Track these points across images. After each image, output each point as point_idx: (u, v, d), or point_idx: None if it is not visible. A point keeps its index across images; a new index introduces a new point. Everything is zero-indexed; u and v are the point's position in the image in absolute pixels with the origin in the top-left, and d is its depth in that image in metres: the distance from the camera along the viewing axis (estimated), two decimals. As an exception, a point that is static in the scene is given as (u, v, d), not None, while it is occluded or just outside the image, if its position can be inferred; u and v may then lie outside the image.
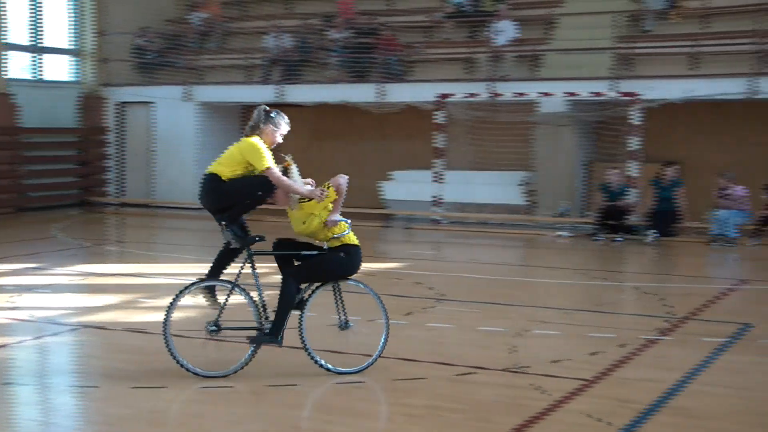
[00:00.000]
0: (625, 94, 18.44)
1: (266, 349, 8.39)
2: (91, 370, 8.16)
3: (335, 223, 7.78)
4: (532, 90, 19.37)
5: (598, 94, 18.73)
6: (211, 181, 7.86)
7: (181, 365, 7.60)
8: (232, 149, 7.91)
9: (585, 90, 18.81)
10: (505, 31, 20.62)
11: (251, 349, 7.70)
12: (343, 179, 7.97)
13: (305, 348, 7.74)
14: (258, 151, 7.72)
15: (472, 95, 19.84)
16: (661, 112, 18.94)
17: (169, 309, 7.71)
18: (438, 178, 19.90)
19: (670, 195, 17.46)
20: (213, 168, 7.90)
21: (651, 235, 17.06)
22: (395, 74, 21.39)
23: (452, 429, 6.43)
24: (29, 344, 9.07)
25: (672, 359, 8.34)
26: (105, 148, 23.96)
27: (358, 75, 21.77)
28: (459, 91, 19.99)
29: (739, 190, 17.10)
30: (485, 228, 19.02)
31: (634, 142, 18.17)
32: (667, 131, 20.20)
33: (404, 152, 22.60)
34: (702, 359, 8.31)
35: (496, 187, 20.07)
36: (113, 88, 23.75)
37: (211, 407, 6.85)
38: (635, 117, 18.18)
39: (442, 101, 19.90)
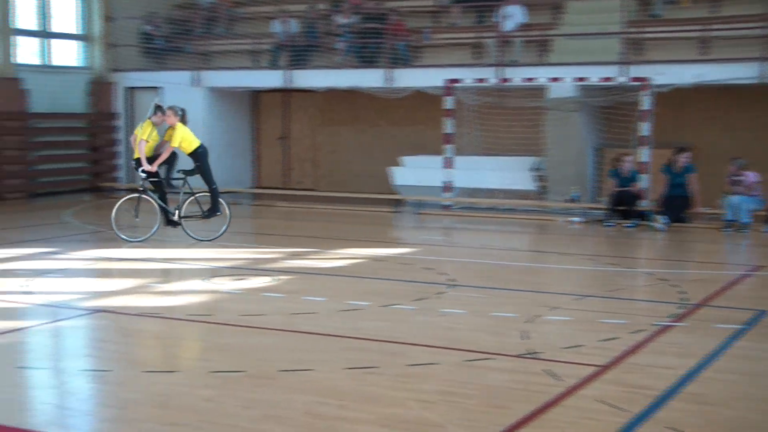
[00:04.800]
0: (636, 79, 18.36)
1: (279, 335, 8.46)
2: (104, 355, 8.19)
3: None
4: (540, 75, 19.32)
5: (607, 79, 18.67)
6: None
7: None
8: None
9: (594, 75, 18.74)
10: (513, 16, 20.55)
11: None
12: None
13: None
14: None
15: (480, 81, 19.78)
16: (672, 97, 18.86)
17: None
18: (448, 164, 19.86)
19: (682, 181, 17.38)
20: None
21: (662, 221, 17.01)
22: (403, 60, 21.33)
23: (466, 414, 6.41)
24: (43, 328, 9.08)
25: (685, 346, 8.30)
26: (114, 134, 23.96)
27: (366, 60, 21.72)
28: (467, 76, 19.92)
29: (751, 176, 17.04)
30: (495, 213, 18.97)
31: (644, 128, 18.10)
32: (677, 116, 20.13)
33: (413, 138, 22.56)
34: (716, 346, 8.27)
35: (506, 173, 20.01)
36: (122, 73, 23.73)
37: (222, 392, 6.84)
38: (646, 102, 18.11)
39: (450, 87, 19.84)
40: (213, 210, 14.64)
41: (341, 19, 22.37)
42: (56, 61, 23.03)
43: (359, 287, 11.12)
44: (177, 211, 14.55)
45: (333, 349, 8.15)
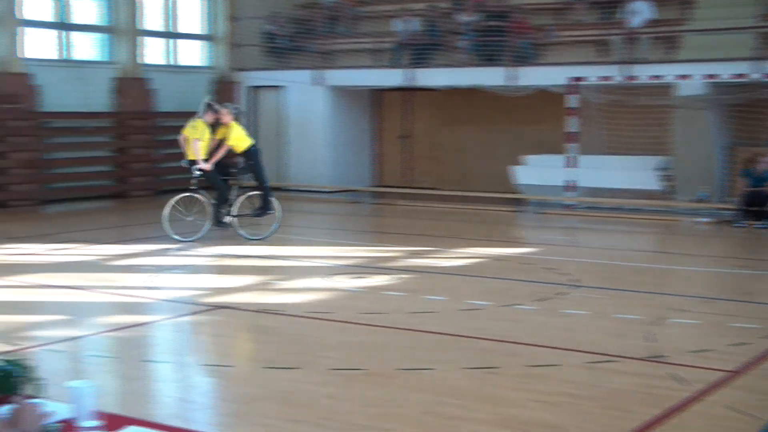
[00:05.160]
0: (770, 75, 17.72)
1: (399, 334, 8.43)
2: (225, 350, 8.29)
3: None
4: (668, 73, 18.82)
5: (740, 76, 18.07)
6: None
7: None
8: None
9: (726, 72, 18.16)
10: (640, 12, 20.11)
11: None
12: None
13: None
14: None
15: (605, 78, 19.41)
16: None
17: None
18: (571, 163, 19.56)
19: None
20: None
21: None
22: (526, 57, 21.09)
23: (587, 417, 6.26)
24: (167, 323, 9.26)
25: (822, 352, 7.96)
26: (237, 132, 24.32)
27: (488, 58, 21.54)
28: (592, 74, 19.57)
29: None
30: (620, 213, 18.59)
31: (779, 126, 17.46)
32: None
33: (535, 136, 22.29)
34: None
35: (630, 172, 19.60)
36: (245, 72, 24.09)
37: (342, 389, 6.83)
38: (781, 99, 17.45)
39: (574, 85, 19.54)
40: (264, 208, 14.67)
41: (463, 17, 22.25)
42: (182, 60, 23.53)
43: (480, 287, 11.01)
44: (230, 211, 14.49)
45: (453, 348, 8.07)
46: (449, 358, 7.69)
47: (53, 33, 20.46)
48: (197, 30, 23.83)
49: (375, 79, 22.81)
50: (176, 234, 14.07)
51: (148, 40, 22.39)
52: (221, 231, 14.46)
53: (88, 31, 21.33)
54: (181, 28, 23.39)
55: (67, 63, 20.60)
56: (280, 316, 9.24)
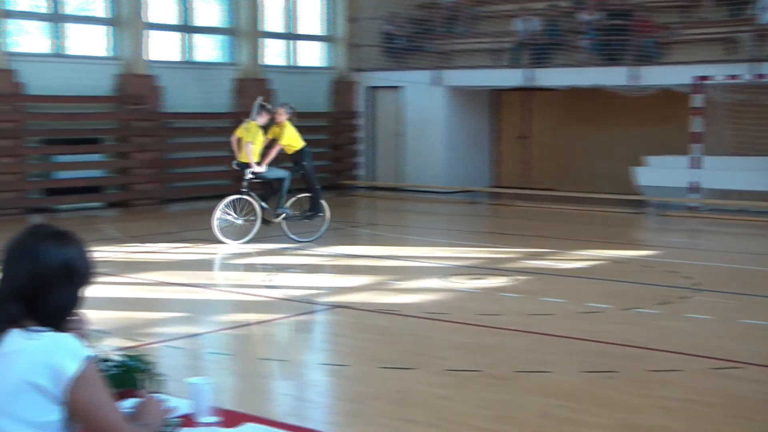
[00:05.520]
0: None
1: (516, 336, 8.35)
2: (342, 349, 8.31)
3: None
4: (800, 70, 18.21)
5: None
6: None
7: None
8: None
9: None
10: (771, 8, 19.51)
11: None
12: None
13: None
14: None
15: (733, 77, 18.87)
16: None
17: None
18: (695, 164, 19.08)
19: None
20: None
21: None
22: (650, 56, 20.66)
23: (709, 424, 6.08)
24: (284, 322, 9.34)
25: None
26: (356, 132, 24.48)
27: (610, 58, 21.18)
28: (718, 73, 19.04)
29: None
30: (746, 216, 18.04)
31: None
32: None
33: (658, 137, 21.82)
34: None
35: (758, 174, 18.99)
36: (364, 72, 24.21)
37: (458, 390, 6.78)
38: None
39: (699, 84, 19.05)
40: (314, 211, 14.41)
41: (585, 16, 21.93)
42: (301, 61, 23.77)
43: (599, 289, 10.81)
44: (277, 212, 14.21)
45: (571, 351, 7.93)
46: (567, 360, 7.56)
47: (176, 35, 20.93)
48: (317, 31, 24.06)
49: (494, 79, 22.66)
50: (225, 236, 13.81)
51: (268, 42, 22.69)
52: (272, 231, 14.20)
53: (210, 33, 21.77)
54: (301, 29, 23.64)
55: (189, 64, 21.05)
56: (396, 316, 9.23)
